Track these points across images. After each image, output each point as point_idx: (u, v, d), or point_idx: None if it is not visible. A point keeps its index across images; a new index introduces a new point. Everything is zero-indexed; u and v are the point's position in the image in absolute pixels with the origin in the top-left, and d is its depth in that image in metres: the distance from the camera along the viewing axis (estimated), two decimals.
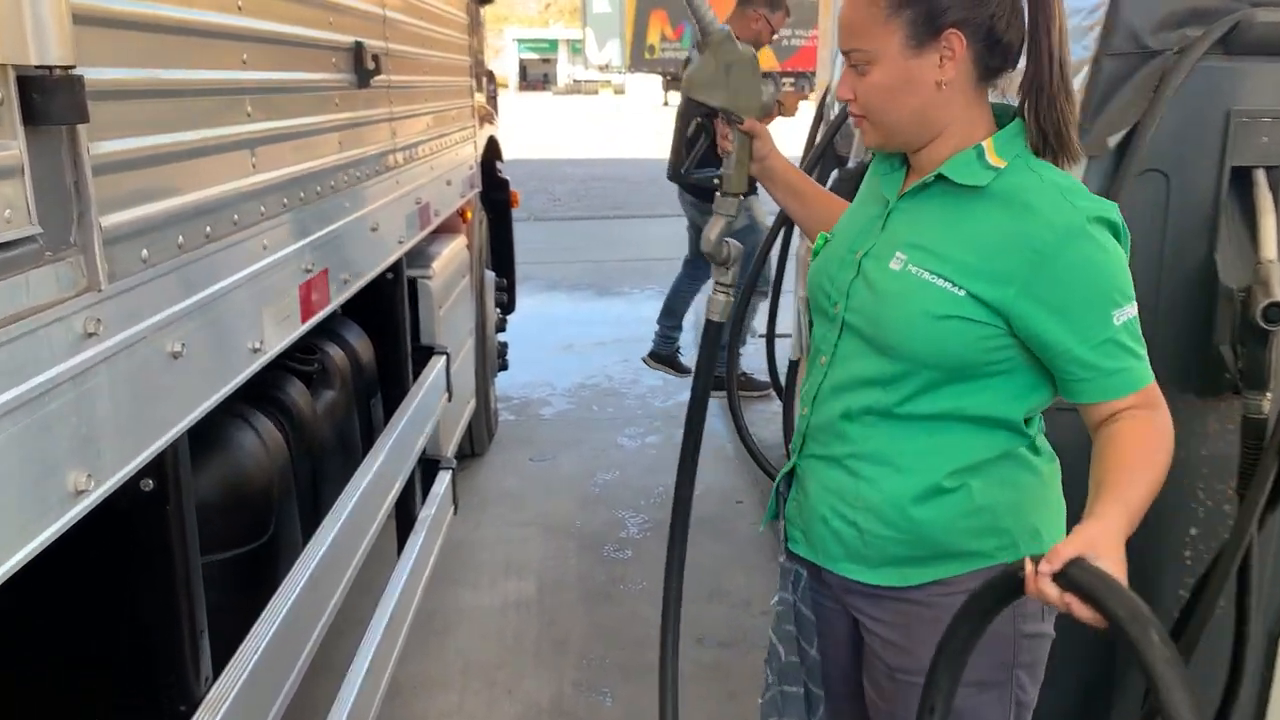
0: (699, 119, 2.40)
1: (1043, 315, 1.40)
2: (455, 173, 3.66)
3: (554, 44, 68.97)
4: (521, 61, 69.24)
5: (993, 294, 1.42)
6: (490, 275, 5.19)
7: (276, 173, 1.71)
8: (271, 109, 1.70)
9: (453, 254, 3.91)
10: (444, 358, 3.40)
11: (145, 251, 1.21)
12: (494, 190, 5.41)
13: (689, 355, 6.32)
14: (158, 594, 1.43)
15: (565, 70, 66.25)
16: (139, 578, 1.43)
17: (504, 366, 5.58)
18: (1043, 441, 1.60)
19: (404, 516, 3.21)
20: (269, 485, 2.21)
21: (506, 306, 5.75)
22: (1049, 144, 1.45)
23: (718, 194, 1.93)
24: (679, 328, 6.23)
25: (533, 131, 24.17)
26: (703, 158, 2.22)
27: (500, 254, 5.63)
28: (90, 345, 1.07)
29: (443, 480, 3.43)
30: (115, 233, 1.13)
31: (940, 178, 1.48)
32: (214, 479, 2.08)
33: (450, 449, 3.70)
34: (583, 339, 7.39)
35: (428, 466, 3.53)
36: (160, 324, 1.25)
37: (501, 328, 5.55)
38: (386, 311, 3.01)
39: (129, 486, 1.38)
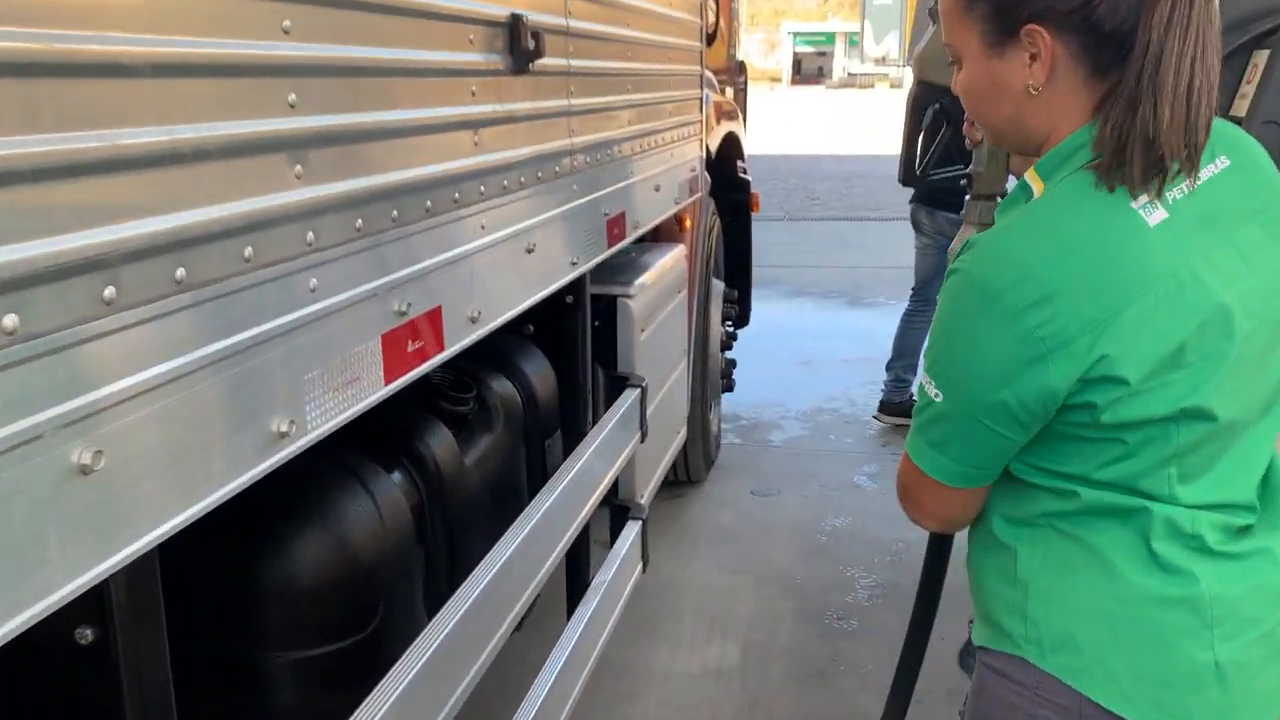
0: (937, 105, 1.85)
1: None
2: (669, 176, 3.16)
3: (830, 37, 67.83)
4: (796, 55, 68.66)
5: None
6: (719, 286, 4.67)
7: (344, 186, 1.25)
8: (342, 98, 1.25)
9: (666, 266, 3.42)
10: (637, 391, 2.91)
11: (11, 320, 0.77)
12: (733, 191, 4.91)
13: None
14: None
15: (840, 64, 65.11)
16: None
17: (729, 387, 5.05)
18: (1173, 558, 1.22)
19: (576, 575, 2.75)
20: (377, 564, 1.79)
21: (738, 320, 5.21)
22: (1117, 162, 1.16)
23: (968, 197, 1.64)
24: (913, 369, 5.35)
25: (799, 125, 23.54)
26: (945, 154, 1.73)
27: (736, 262, 5.11)
28: None
29: (630, 533, 2.94)
30: None
31: None
32: (298, 560, 1.68)
33: (645, 493, 3.21)
34: (825, 354, 6.74)
35: (616, 513, 3.07)
36: (45, 425, 0.81)
37: (728, 345, 5.02)
38: (566, 338, 2.56)
39: (61, 637, 0.96)
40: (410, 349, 1.43)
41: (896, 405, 5.41)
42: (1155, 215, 1.16)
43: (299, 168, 1.15)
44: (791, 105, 35.10)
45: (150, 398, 0.92)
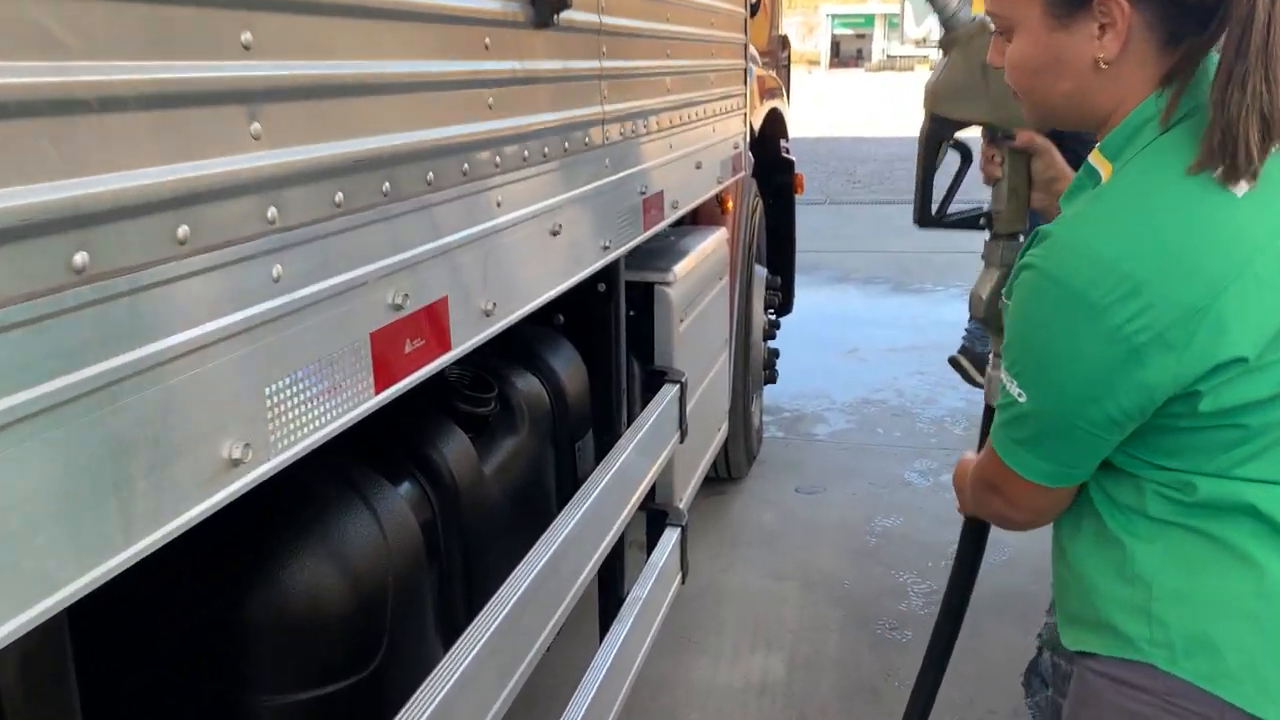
0: (949, 141, 1.74)
1: None
2: (710, 153, 2.90)
3: (869, 19, 67.07)
4: (834, 37, 68.01)
5: None
6: (761, 272, 4.41)
7: (318, 150, 1.01)
8: (316, 41, 1.01)
9: (707, 251, 3.16)
10: (676, 387, 2.67)
11: None
12: (776, 172, 4.65)
13: None
14: None
15: (879, 46, 64.42)
16: None
17: (771, 379, 4.79)
18: None
19: (610, 589, 2.52)
20: (381, 591, 1.56)
21: (781, 308, 4.95)
22: (1224, 143, 1.05)
23: (986, 238, 1.61)
24: None
25: (838, 109, 23.17)
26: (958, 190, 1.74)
27: (778, 247, 4.85)
28: None
29: (668, 541, 2.70)
30: None
31: None
32: (287, 588, 1.45)
33: (684, 497, 2.97)
34: (871, 343, 6.46)
35: (654, 519, 2.83)
36: None
37: (771, 334, 4.76)
38: (598, 330, 2.32)
39: None
40: (408, 349, 1.19)
41: (978, 355, 5.13)
42: (1241, 184, 1.08)
43: (256, 125, 0.91)
44: (830, 89, 34.55)
45: (33, 426, 0.69)
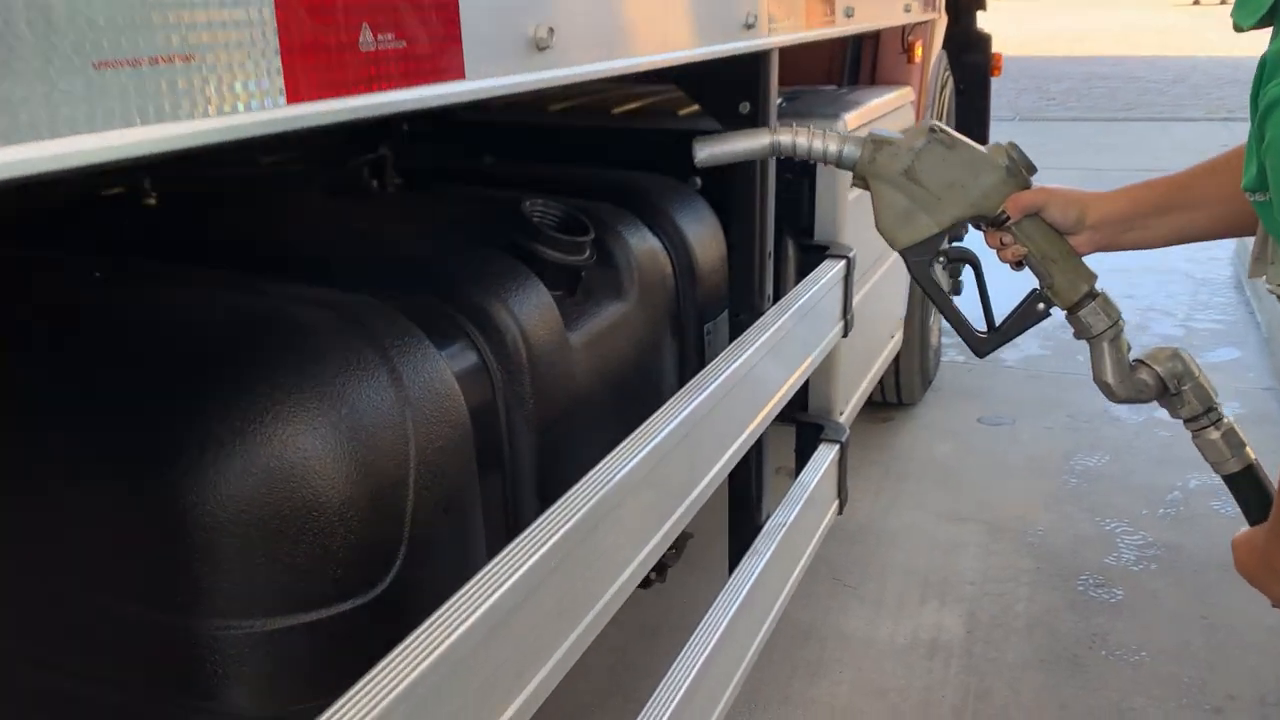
0: (941, 262, 1.51)
1: None
2: None
3: None
4: None
5: None
6: None
7: None
8: None
9: (887, 108, 2.54)
10: (842, 264, 2.08)
11: None
12: (968, 50, 3.94)
13: None
14: None
15: None
16: None
17: (956, 290, 4.10)
18: None
19: (745, 512, 1.98)
20: (395, 487, 1.08)
21: None
22: None
23: (1067, 317, 1.40)
24: None
25: (1026, 29, 21.56)
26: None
27: (970, 136, 4.13)
28: None
29: (822, 459, 2.14)
30: None
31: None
32: (258, 477, 0.98)
33: (846, 409, 2.40)
34: None
35: (805, 433, 2.28)
36: None
37: (958, 236, 4.08)
38: (742, 186, 1.76)
39: None
40: (368, 49, 0.67)
41: None
42: None
43: None
44: (1016, 11, 32.38)
45: None
